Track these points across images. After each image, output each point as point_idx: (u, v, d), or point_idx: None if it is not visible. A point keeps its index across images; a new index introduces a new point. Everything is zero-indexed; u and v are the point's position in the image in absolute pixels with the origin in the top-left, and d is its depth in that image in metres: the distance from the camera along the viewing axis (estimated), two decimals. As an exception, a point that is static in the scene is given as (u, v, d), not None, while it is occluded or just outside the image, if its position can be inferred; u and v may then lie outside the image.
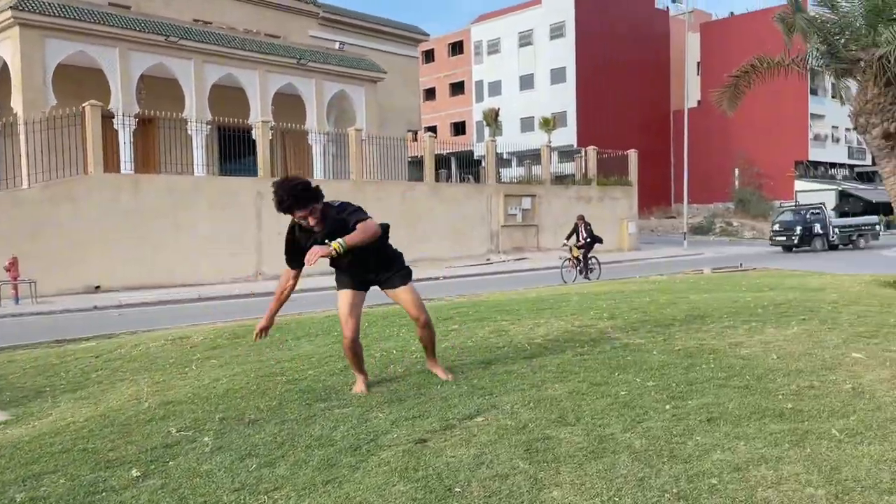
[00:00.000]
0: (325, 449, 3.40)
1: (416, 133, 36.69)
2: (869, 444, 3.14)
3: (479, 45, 58.00)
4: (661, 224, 49.46)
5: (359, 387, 4.45)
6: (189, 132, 23.40)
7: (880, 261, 24.03)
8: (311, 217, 4.22)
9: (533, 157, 36.01)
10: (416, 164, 57.53)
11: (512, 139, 43.13)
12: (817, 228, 29.68)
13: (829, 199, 51.25)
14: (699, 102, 58.28)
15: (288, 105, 27.23)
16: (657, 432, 3.38)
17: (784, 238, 30.27)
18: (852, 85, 10.15)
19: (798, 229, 29.79)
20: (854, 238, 31.22)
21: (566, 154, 41.84)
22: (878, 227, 33.15)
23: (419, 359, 5.16)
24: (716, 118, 55.63)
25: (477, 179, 29.96)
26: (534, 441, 3.32)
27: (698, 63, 57.95)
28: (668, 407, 3.77)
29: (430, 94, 63.63)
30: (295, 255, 4.41)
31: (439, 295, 14.20)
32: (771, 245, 31.30)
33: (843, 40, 9.58)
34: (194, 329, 8.41)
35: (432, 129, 62.67)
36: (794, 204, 31.92)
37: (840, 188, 52.20)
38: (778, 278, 12.24)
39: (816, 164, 54.48)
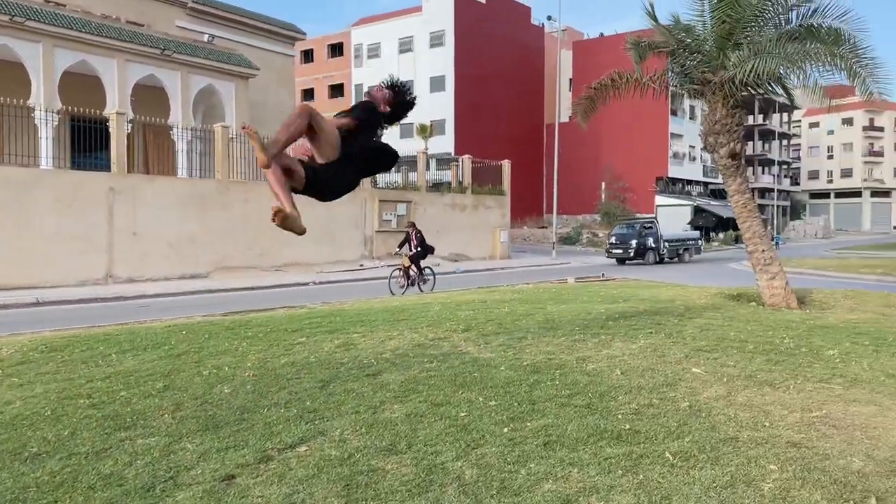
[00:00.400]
0: (111, 490, 2.91)
1: (290, 133, 35.53)
2: (701, 468, 3.04)
3: (360, 49, 57.43)
4: (532, 233, 50.83)
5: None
6: (35, 121, 21.38)
7: (727, 273, 25.72)
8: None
9: (411, 163, 35.94)
10: (292, 166, 55.87)
11: (391, 144, 42.83)
12: (650, 242, 30.16)
13: (686, 214, 54.79)
14: (570, 117, 60.69)
15: (151, 98, 25.56)
16: (491, 459, 3.15)
17: (620, 251, 30.80)
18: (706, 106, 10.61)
19: (633, 242, 30.32)
20: (681, 252, 32.08)
21: (444, 162, 42.13)
22: (699, 243, 34.68)
23: (251, 378, 4.70)
24: (586, 134, 58.14)
25: (351, 183, 29.54)
26: (356, 475, 2.99)
27: (570, 80, 60.26)
28: (506, 430, 3.56)
29: (308, 94, 62.29)
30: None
31: (303, 302, 13.63)
32: (607, 257, 31.42)
33: (695, 62, 10.01)
34: (8, 340, 7.43)
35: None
36: (630, 218, 34.61)
37: (695, 204, 55.85)
38: (633, 289, 12.64)
39: (675, 180, 58.06)
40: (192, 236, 21.84)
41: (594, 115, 10.84)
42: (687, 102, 57.90)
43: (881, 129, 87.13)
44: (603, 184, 56.30)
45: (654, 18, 10.30)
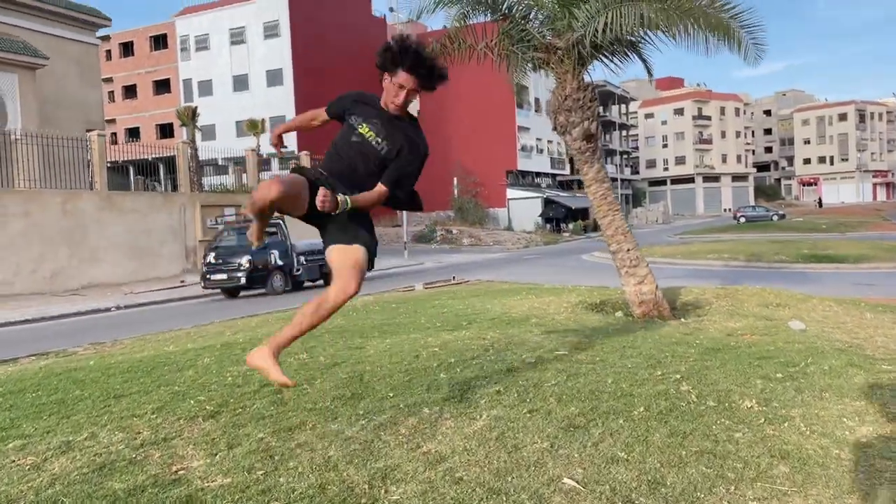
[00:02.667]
0: None
1: (113, 133, 31.14)
2: None
3: (186, 41, 52.58)
4: (385, 233, 48.65)
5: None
6: None
7: (581, 266, 24.82)
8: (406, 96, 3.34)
9: (244, 162, 32.57)
10: (119, 171, 50.45)
11: (228, 144, 39.19)
12: (274, 259, 19.31)
13: (537, 206, 54.87)
14: (419, 112, 59.05)
15: None
16: None
17: (223, 276, 18.85)
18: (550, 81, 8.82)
19: (245, 261, 18.74)
20: (327, 271, 17.46)
21: (287, 161, 38.95)
22: None
23: None
24: (435, 129, 56.86)
25: (175, 188, 25.70)
26: None
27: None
28: None
29: (130, 91, 56.45)
30: (347, 104, 3.55)
31: (86, 339, 10.54)
32: (203, 287, 19.59)
33: (536, 23, 8.22)
34: None
35: (134, 132, 55.64)
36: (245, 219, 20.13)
37: (545, 196, 56.10)
38: (483, 298, 10.72)
39: (525, 173, 58.10)
40: (-50, 261, 17.74)
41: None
42: (532, 95, 58.12)
43: (709, 118, 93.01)
44: (455, 179, 55.21)
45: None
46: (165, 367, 5.82)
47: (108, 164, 50.81)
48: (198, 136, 48.32)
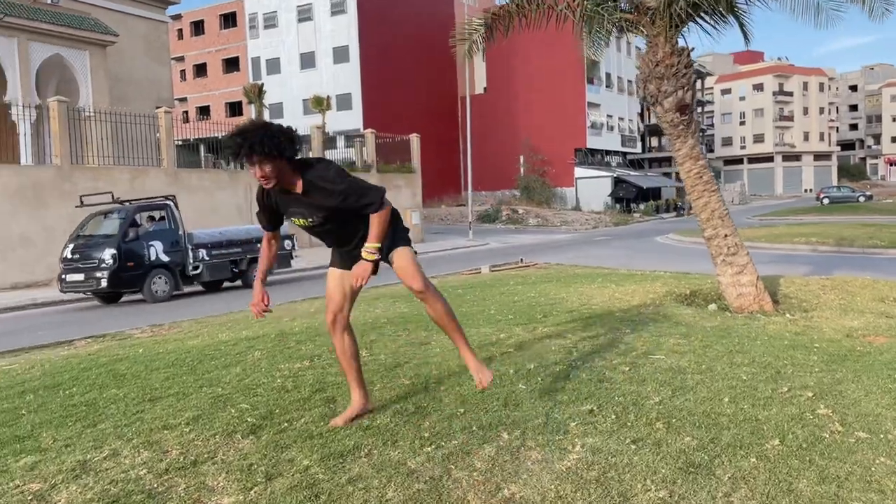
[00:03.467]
0: None
1: (185, 112, 31.48)
2: None
3: (255, 18, 52.81)
4: (450, 212, 48.09)
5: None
6: None
7: (657, 249, 23.59)
8: (259, 171, 3.25)
9: (310, 141, 32.41)
10: (190, 149, 51.33)
11: (294, 122, 39.20)
12: (156, 253, 14.65)
13: (606, 186, 53.20)
14: (486, 89, 58.05)
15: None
16: None
17: (81, 277, 14.11)
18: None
19: (108, 256, 13.97)
20: (245, 268, 16.27)
21: (352, 139, 38.70)
22: (289, 246, 17.22)
23: None
24: (502, 105, 55.66)
25: (242, 166, 25.58)
26: None
27: (483, 49, 57.49)
28: None
29: (201, 70, 57.26)
30: (272, 216, 3.56)
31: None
32: (62, 291, 14.84)
33: (627, -20, 7.32)
34: None
35: (205, 110, 56.50)
36: (115, 200, 15.99)
37: (615, 175, 54.31)
38: (556, 286, 9.91)
39: (594, 151, 56.33)
40: (24, 237, 17.94)
41: (481, 48, 7.95)
42: (603, 70, 56.17)
43: (790, 94, 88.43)
44: (521, 157, 54.07)
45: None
46: (212, 362, 5.29)
47: (180, 143, 51.70)
48: (265, 113, 48.59)
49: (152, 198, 16.38)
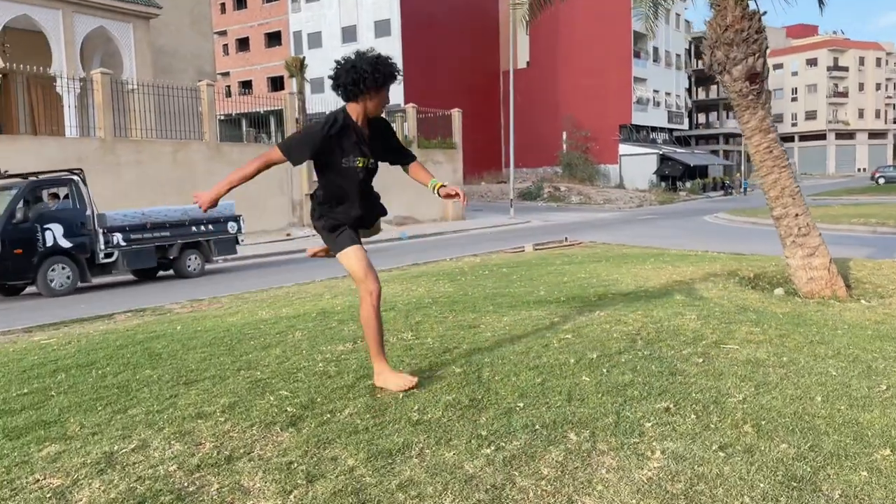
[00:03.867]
0: None
1: (227, 86, 31.50)
2: None
3: (297, -8, 52.57)
4: (490, 190, 47.57)
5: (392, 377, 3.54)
6: None
7: (706, 229, 22.83)
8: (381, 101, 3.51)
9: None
10: (233, 123, 51.62)
11: (335, 96, 38.91)
12: (52, 238, 12.37)
13: (651, 163, 51.97)
14: (528, 63, 56.95)
15: (30, 45, 21.43)
16: None
17: None
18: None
19: None
20: (176, 254, 14.27)
21: (392, 114, 38.36)
22: (234, 229, 15.56)
23: None
24: (545, 80, 54.56)
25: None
26: None
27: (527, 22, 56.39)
28: None
29: (243, 44, 57.34)
30: (313, 152, 3.46)
31: (169, 299, 10.21)
32: None
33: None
34: None
35: (247, 85, 56.65)
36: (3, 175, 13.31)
37: (661, 152, 52.99)
38: (606, 266, 9.46)
39: (639, 127, 55.00)
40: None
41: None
42: (651, 44, 54.59)
43: (846, 69, 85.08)
44: (564, 133, 53.10)
45: None
46: (251, 342, 5.04)
47: (222, 117, 51.95)
48: (307, 88, 48.43)
49: (54, 171, 13.58)
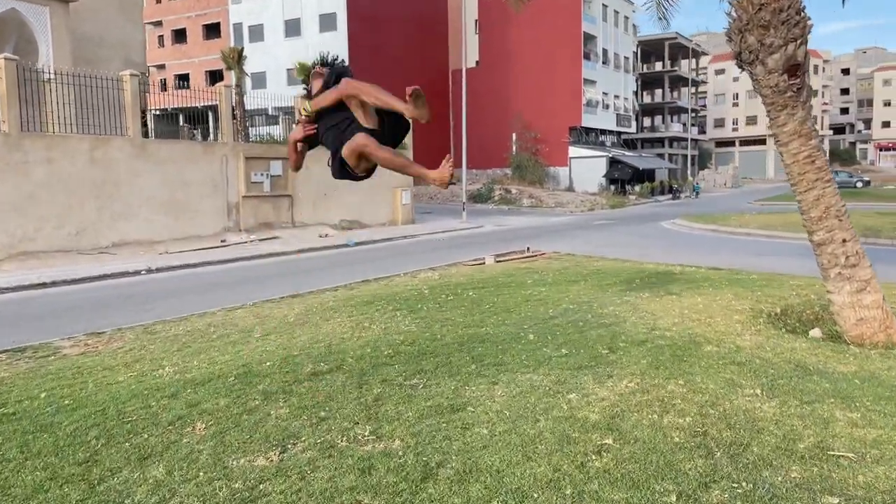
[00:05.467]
0: None
1: (163, 79, 29.08)
2: None
3: (236, -19, 49.98)
4: (440, 191, 46.08)
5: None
6: None
7: (671, 237, 21.78)
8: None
9: (293, 113, 30.20)
10: (169, 119, 48.75)
11: (278, 93, 36.78)
12: None
13: (601, 166, 51.36)
14: (477, 63, 55.70)
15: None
16: None
17: None
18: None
19: None
20: None
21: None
22: None
23: None
24: (494, 80, 53.37)
25: (216, 137, 23.32)
26: None
27: (476, 21, 55.23)
28: None
29: (180, 36, 54.33)
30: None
31: (116, 308, 8.33)
32: None
33: None
34: None
35: (184, 78, 53.74)
36: None
37: (610, 155, 52.43)
38: (590, 288, 8.04)
39: (588, 130, 54.34)
40: (-37, 212, 15.78)
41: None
42: (600, 45, 54.06)
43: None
44: (514, 135, 52.03)
45: None
46: (126, 445, 3.37)
47: (158, 112, 49.11)
48: (247, 83, 45.99)
49: None
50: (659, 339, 5.33)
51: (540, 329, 5.85)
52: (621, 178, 50.95)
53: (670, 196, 51.13)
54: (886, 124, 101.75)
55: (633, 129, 62.84)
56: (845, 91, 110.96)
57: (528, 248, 16.14)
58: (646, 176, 52.85)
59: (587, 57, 52.36)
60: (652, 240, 20.47)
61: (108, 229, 18.11)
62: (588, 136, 54.35)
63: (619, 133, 60.15)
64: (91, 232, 17.72)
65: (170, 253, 18.44)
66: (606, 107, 56.57)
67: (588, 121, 53.34)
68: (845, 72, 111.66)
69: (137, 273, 15.54)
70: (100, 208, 17.88)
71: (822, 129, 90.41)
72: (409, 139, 26.04)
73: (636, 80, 64.95)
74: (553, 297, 7.91)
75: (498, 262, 14.16)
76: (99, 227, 17.88)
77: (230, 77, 29.83)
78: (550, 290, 8.52)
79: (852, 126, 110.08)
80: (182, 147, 20.52)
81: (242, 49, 25.57)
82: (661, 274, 10.04)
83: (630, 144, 64.02)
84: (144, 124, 44.02)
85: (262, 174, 22.64)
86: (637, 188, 50.50)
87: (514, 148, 51.89)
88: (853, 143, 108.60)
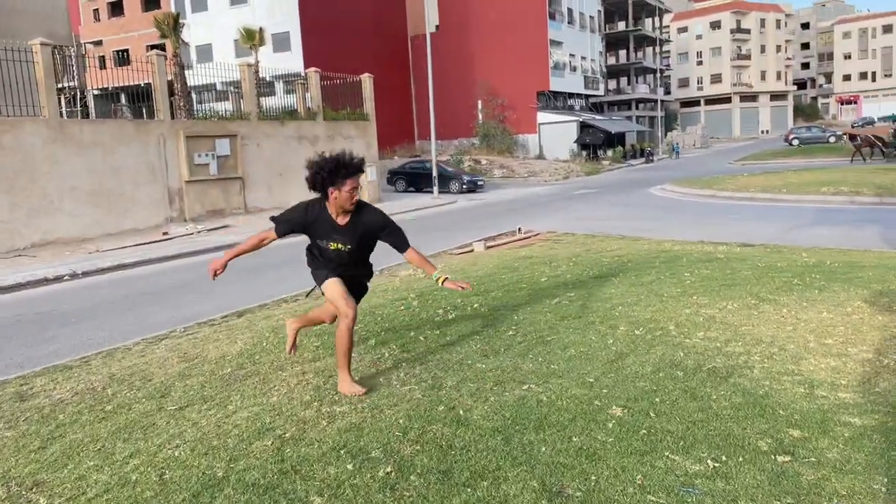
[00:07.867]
0: None
1: (101, 56, 26.05)
2: None
3: (174, -54, 46.24)
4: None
5: (348, 385, 4.13)
6: None
7: (661, 206, 19.78)
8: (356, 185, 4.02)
9: (240, 84, 27.36)
10: (109, 98, 45.07)
11: (225, 64, 33.75)
12: None
13: (572, 132, 49.29)
14: (437, 28, 52.83)
15: None
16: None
17: None
18: None
19: None
20: None
21: (293, 83, 33.58)
22: None
23: None
24: (457, 46, 50.59)
25: (151, 115, 20.37)
26: None
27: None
28: None
29: (116, 8, 50.53)
30: (296, 228, 4.28)
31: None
32: None
33: None
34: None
35: (124, 54, 50.00)
36: None
37: (581, 119, 50.37)
38: (630, 289, 5.92)
39: (556, 94, 52.14)
40: None
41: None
42: (566, 4, 51.61)
43: (748, 32, 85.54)
44: (479, 102, 49.60)
45: None
46: None
47: (97, 92, 45.37)
48: (191, 54, 42.59)
49: None
50: (841, 410, 3.18)
51: (620, 391, 3.67)
52: (593, 143, 49.00)
53: (643, 160, 49.41)
54: (847, 77, 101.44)
55: (601, 91, 60.84)
56: (805, 45, 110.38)
57: (519, 229, 13.95)
58: (616, 140, 51.02)
59: (552, 17, 49.96)
60: (649, 210, 18.46)
61: (25, 228, 15.44)
62: (556, 101, 52.18)
63: (588, 96, 58.11)
64: (4, 232, 15.04)
65: (101, 252, 15.84)
66: (574, 69, 54.39)
67: (556, 84, 51.13)
68: (805, 26, 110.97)
69: (59, 279, 12.97)
70: (13, 204, 15.19)
71: (786, 84, 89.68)
72: (370, 108, 23.37)
73: (602, 40, 62.77)
74: (593, 308, 5.76)
75: (489, 248, 11.96)
76: (13, 225, 15.21)
77: (168, 47, 26.82)
78: (581, 296, 6.37)
79: (814, 81, 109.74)
80: (110, 127, 17.75)
81: (179, 14, 22.65)
82: (706, 261, 7.94)
83: (598, 108, 62.07)
84: (84, 105, 40.29)
85: (206, 154, 20.01)
86: (609, 153, 48.66)
87: (480, 116, 49.52)
88: (815, 98, 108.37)
